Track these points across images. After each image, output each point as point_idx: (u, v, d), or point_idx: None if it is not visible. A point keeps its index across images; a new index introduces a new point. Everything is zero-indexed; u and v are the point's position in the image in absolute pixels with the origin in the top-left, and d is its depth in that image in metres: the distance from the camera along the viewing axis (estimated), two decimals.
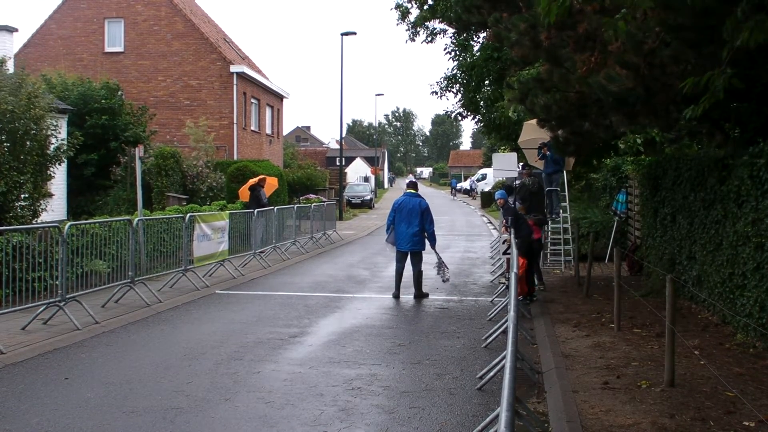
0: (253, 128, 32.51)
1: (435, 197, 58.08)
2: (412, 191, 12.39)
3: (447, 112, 24.82)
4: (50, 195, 14.96)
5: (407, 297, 12.07)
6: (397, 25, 25.04)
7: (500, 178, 30.72)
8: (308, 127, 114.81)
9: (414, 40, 23.30)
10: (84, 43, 30.42)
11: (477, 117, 23.90)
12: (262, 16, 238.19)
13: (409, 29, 22.95)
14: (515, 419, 4.09)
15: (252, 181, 19.65)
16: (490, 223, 31.64)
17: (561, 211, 15.52)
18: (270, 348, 8.43)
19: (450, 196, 66.36)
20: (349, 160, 74.47)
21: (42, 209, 14.43)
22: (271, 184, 20.58)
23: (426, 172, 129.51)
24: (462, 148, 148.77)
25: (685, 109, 5.70)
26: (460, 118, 24.50)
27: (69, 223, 9.85)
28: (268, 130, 35.44)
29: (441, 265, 12.34)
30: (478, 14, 9.86)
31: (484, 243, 22.65)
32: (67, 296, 9.41)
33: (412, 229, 12.04)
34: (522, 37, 8.36)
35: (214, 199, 22.80)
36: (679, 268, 10.65)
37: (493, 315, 10.20)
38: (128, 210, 19.23)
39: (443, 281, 12.70)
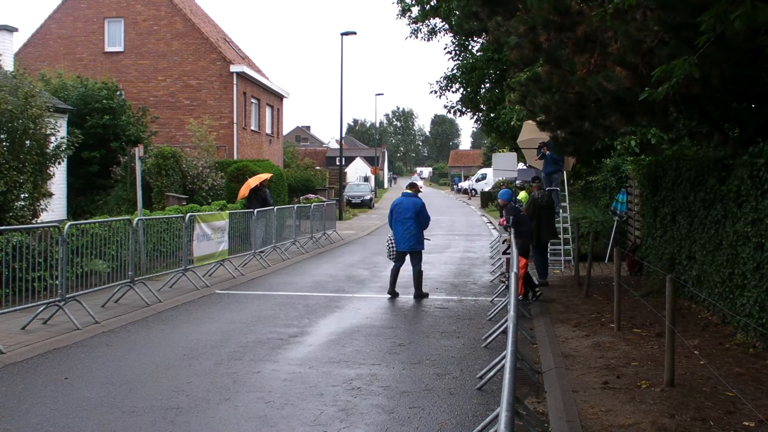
0: (253, 128, 32.50)
1: (435, 197, 58.10)
2: (409, 191, 12.42)
3: (447, 106, 24.81)
4: (50, 194, 14.94)
5: (407, 297, 12.07)
6: (397, 18, 24.94)
7: (500, 178, 30.81)
8: (308, 127, 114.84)
9: (416, 36, 23.20)
10: (84, 42, 30.41)
11: (477, 114, 23.89)
12: (262, 16, 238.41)
13: (410, 24, 22.91)
14: (515, 419, 4.09)
15: (252, 181, 19.66)
16: (490, 223, 31.63)
17: (561, 210, 15.54)
18: (270, 348, 8.43)
19: (452, 195, 66.67)
20: (349, 159, 74.46)
21: (42, 209, 14.42)
22: (266, 177, 20.60)
23: (426, 171, 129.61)
24: (462, 147, 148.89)
25: (641, 93, 5.82)
26: (459, 114, 24.51)
27: (69, 223, 9.84)
28: (268, 130, 35.43)
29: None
30: (477, 20, 9.87)
31: (483, 243, 22.65)
32: (67, 296, 9.41)
33: (410, 229, 12.05)
34: (522, 39, 8.36)
35: (214, 198, 22.80)
36: (679, 268, 10.65)
37: (493, 315, 10.21)
38: (128, 210, 19.23)
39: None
